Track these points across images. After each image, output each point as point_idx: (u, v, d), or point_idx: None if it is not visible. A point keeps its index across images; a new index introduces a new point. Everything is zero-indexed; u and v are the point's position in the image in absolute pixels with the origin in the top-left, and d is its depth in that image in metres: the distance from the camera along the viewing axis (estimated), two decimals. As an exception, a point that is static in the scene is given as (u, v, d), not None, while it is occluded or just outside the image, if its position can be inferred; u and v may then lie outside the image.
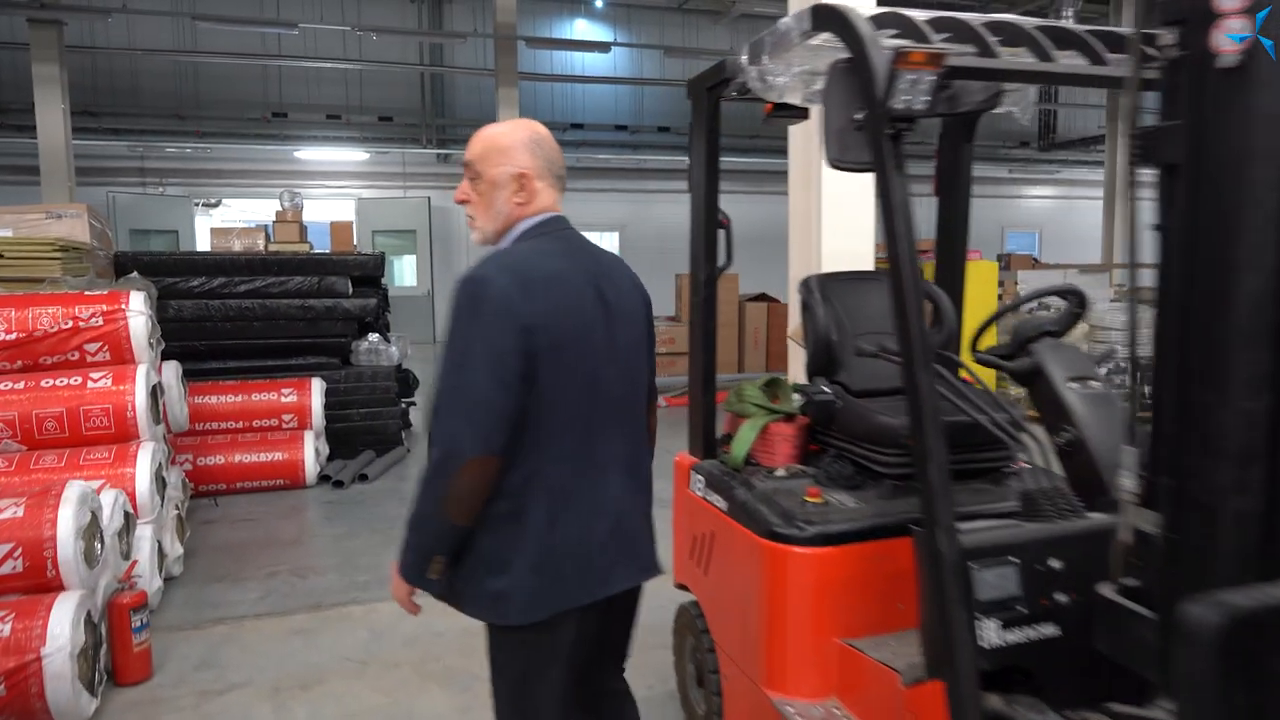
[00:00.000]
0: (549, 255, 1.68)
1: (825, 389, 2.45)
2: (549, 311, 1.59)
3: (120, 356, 4.15)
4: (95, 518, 3.15)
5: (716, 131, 2.56)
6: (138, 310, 4.16)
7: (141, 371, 4.07)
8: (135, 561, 3.55)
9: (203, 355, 6.24)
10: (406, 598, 1.70)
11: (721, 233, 2.62)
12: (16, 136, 12.89)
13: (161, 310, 5.96)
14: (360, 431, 6.56)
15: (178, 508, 4.35)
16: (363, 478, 5.99)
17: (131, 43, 13.60)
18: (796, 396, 2.60)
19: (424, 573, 1.63)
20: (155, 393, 4.24)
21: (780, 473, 2.41)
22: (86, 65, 13.84)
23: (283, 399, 5.95)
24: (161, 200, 15.19)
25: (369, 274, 6.62)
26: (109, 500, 3.43)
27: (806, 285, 2.63)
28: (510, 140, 1.72)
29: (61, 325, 4.01)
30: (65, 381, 3.95)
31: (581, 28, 16.41)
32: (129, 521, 3.61)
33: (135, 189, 15.00)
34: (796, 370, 4.33)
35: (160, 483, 4.06)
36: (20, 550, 2.85)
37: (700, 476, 2.55)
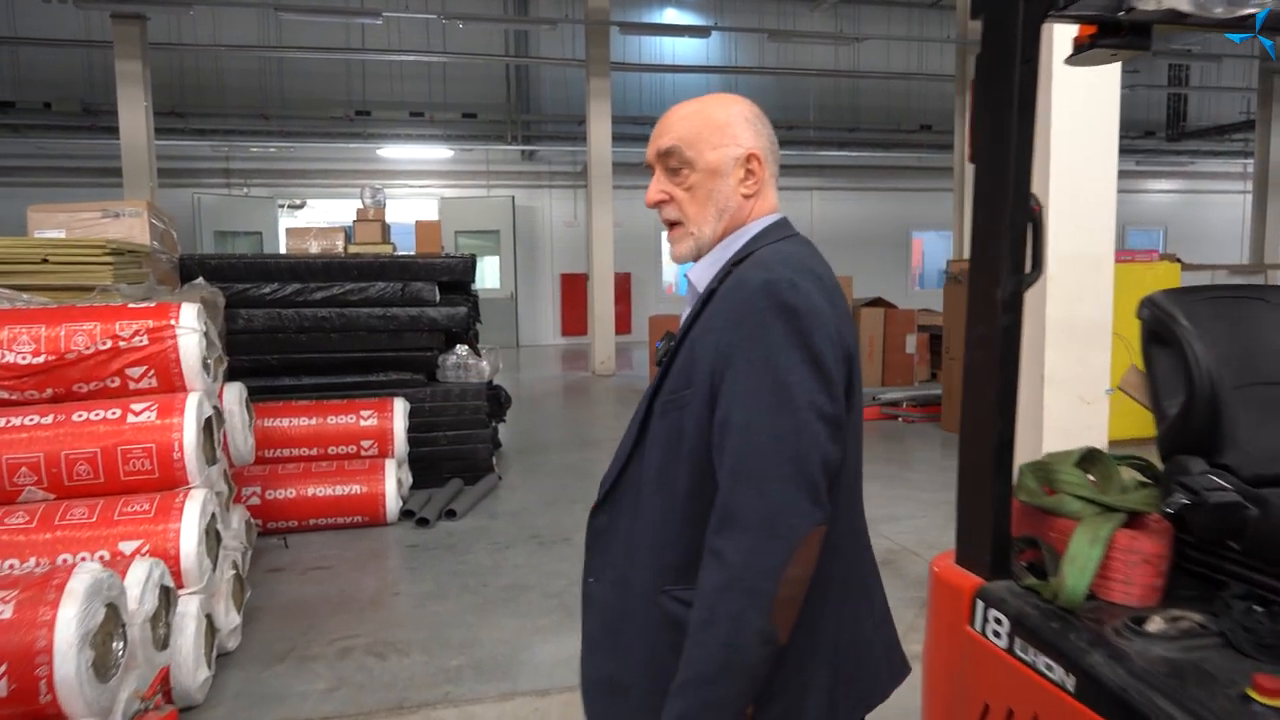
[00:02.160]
0: (817, 265, 1.27)
1: (1220, 481, 1.49)
2: (846, 332, 1.22)
3: (168, 383, 3.43)
4: (115, 610, 2.39)
5: (1034, 67, 1.60)
6: (189, 327, 3.42)
7: (192, 402, 3.33)
8: (163, 674, 2.77)
9: (275, 370, 5.56)
10: None
11: (1030, 226, 1.67)
12: (102, 138, 12.66)
13: (230, 320, 5.30)
14: (447, 457, 5.80)
15: (235, 566, 3.61)
16: (450, 514, 5.21)
17: (215, 38, 13.28)
18: (1126, 477, 1.66)
19: None
20: (211, 425, 3.50)
21: (1154, 624, 1.45)
22: (174, 65, 13.60)
23: (362, 422, 5.21)
24: (245, 201, 14.92)
25: (458, 279, 5.85)
26: (139, 577, 2.68)
27: (1157, 308, 1.67)
28: (727, 114, 1.31)
29: (99, 346, 3.30)
30: (101, 415, 3.23)
31: (671, 16, 15.52)
32: (169, 597, 2.86)
33: (220, 190, 14.76)
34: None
35: (213, 538, 3.31)
36: (4, 667, 2.09)
37: (997, 614, 1.61)
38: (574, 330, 15.75)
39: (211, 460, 3.48)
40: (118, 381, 3.36)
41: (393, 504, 5.03)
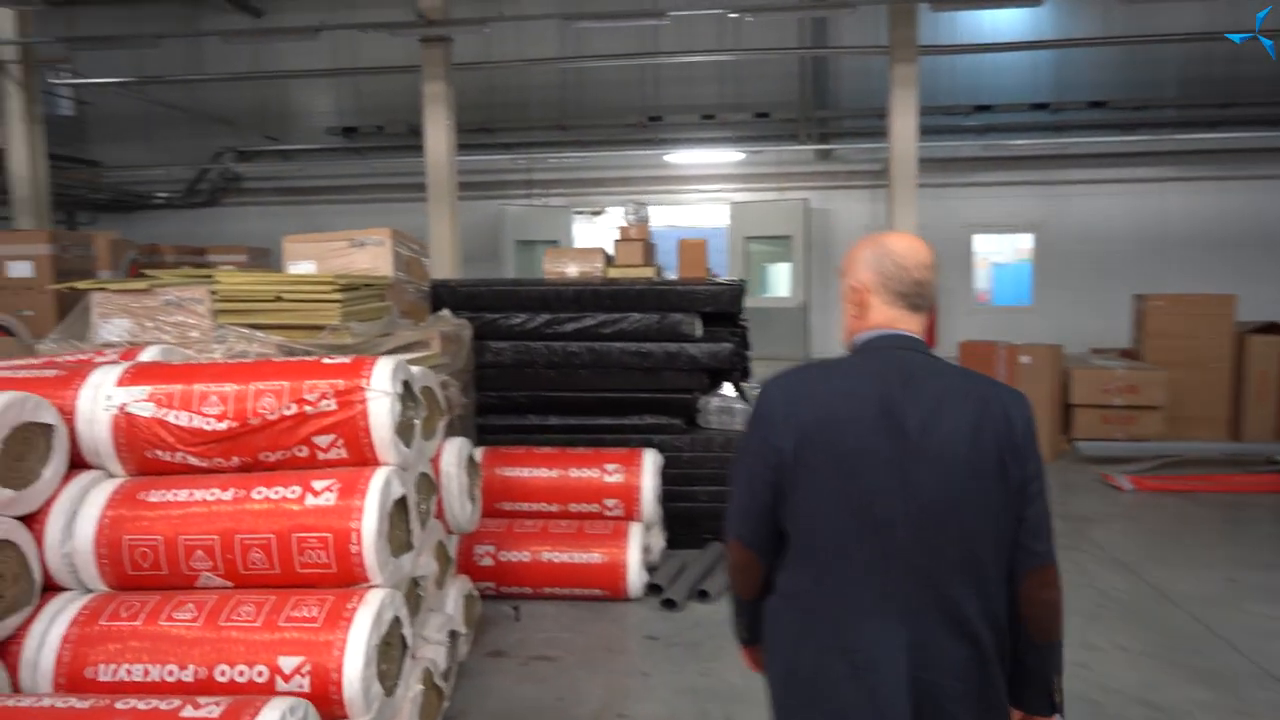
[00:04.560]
0: (837, 373, 1.72)
1: None
2: (806, 425, 1.63)
3: (359, 454, 2.89)
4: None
5: None
6: (380, 390, 2.85)
7: (377, 482, 2.76)
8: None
9: (522, 407, 5.07)
10: None
11: None
12: (410, 156, 13.45)
13: (478, 352, 4.87)
14: (706, 516, 4.96)
15: (429, 676, 3.00)
16: (701, 595, 4.36)
17: (520, 54, 13.65)
18: None
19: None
20: (405, 504, 2.93)
21: None
22: (483, 84, 14.24)
23: (606, 478, 4.53)
24: (545, 211, 15.31)
25: (723, 309, 4.99)
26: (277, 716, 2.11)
27: None
28: (856, 254, 1.76)
29: (284, 410, 2.83)
30: (280, 494, 2.76)
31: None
32: (314, 746, 2.28)
33: (523, 200, 15.28)
34: None
35: (398, 648, 2.72)
36: None
37: None
38: (870, 344, 14.32)
39: (403, 548, 2.90)
40: (306, 451, 2.88)
41: (635, 578, 4.28)
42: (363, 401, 2.84)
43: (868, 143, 13.49)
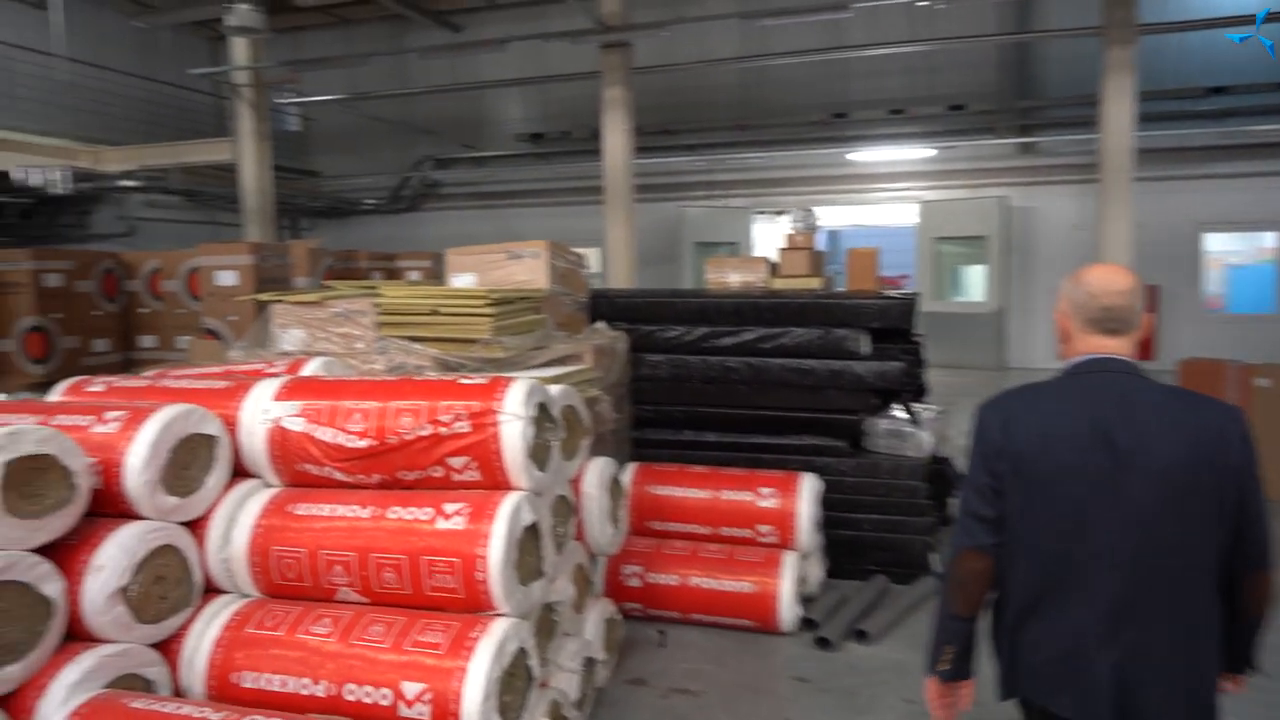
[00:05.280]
0: (1048, 394, 1.89)
1: None
2: (1020, 444, 1.82)
3: (492, 478, 2.85)
4: None
5: None
6: (513, 412, 2.79)
7: (506, 509, 2.70)
8: None
9: (677, 422, 4.93)
10: None
11: None
12: (593, 159, 13.68)
13: (635, 365, 4.78)
14: (871, 546, 4.62)
15: (556, 710, 2.92)
16: (860, 635, 4.04)
17: (703, 55, 13.54)
18: None
19: None
20: (537, 530, 2.86)
21: None
22: (663, 85, 14.26)
23: (760, 502, 4.30)
24: (724, 212, 15.13)
25: (894, 324, 4.61)
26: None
27: None
28: (1062, 286, 1.94)
29: (419, 431, 2.84)
30: (413, 515, 2.76)
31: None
32: (425, 784, 2.23)
33: (702, 202, 15.18)
34: None
35: (522, 679, 2.65)
36: None
37: None
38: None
39: (534, 575, 2.83)
40: (441, 471, 2.87)
41: (787, 611, 4.02)
42: (495, 425, 2.79)
43: (1076, 133, 12.31)
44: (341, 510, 2.83)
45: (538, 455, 2.90)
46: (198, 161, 13.02)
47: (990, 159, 13.26)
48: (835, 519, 4.57)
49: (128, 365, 7.26)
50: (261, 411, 2.99)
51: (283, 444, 2.96)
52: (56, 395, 3.38)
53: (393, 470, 2.90)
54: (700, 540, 4.37)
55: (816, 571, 4.42)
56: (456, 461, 2.84)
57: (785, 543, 4.26)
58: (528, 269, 4.43)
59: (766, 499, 4.30)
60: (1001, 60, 12.89)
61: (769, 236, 14.61)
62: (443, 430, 2.82)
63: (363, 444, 2.87)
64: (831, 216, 15.91)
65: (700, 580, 4.13)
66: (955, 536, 1.92)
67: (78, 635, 2.57)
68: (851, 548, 4.63)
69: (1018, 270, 13.31)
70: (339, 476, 2.95)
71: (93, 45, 13.51)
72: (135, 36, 14.56)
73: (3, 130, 11.80)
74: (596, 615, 3.55)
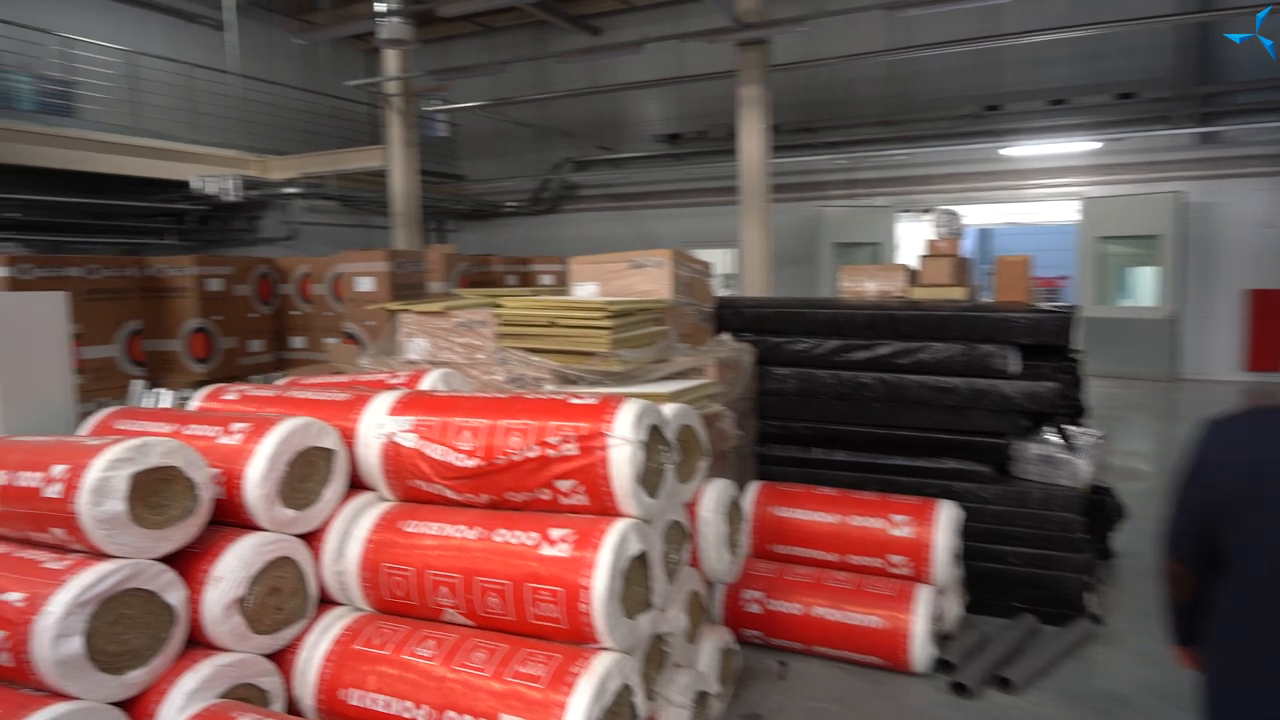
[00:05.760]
0: (1272, 418, 1.87)
1: None
2: (1240, 466, 1.83)
3: (600, 503, 2.73)
4: None
5: None
6: (623, 436, 2.67)
7: (612, 538, 2.58)
8: None
9: (805, 439, 4.68)
10: None
11: None
12: (729, 160, 13.47)
13: (761, 378, 4.58)
14: (1017, 582, 4.23)
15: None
16: (1002, 682, 3.68)
17: (843, 50, 13.07)
18: None
19: None
20: (646, 560, 2.72)
21: None
22: (803, 82, 13.87)
23: (893, 530, 4.00)
24: (866, 211, 14.57)
25: (1046, 341, 4.19)
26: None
27: None
28: None
29: (527, 452, 2.75)
30: (518, 538, 2.68)
31: None
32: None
33: (843, 201, 14.67)
34: None
35: (625, 716, 2.52)
36: None
37: None
38: (1266, 364, 11.77)
39: (641, 607, 2.69)
40: (549, 494, 2.78)
41: (920, 650, 3.72)
42: (603, 448, 2.67)
43: (1267, 121, 11.09)
44: (449, 530, 2.79)
45: (648, 480, 2.76)
46: (352, 169, 13.71)
47: (1164, 151, 12.14)
48: (977, 550, 4.21)
49: (280, 365, 7.66)
50: (376, 426, 3.00)
51: (396, 459, 2.95)
52: (196, 402, 3.53)
53: (501, 491, 2.83)
54: (826, 567, 4.11)
55: (954, 608, 4.08)
56: (564, 485, 2.74)
57: (919, 575, 3.95)
58: (650, 279, 4.31)
59: (900, 527, 4.00)
60: (1179, 43, 11.76)
61: (914, 236, 13.93)
62: (550, 452, 2.72)
63: (470, 463, 2.82)
64: (982, 214, 15.04)
65: (825, 611, 3.89)
66: (1163, 538, 2.03)
67: (199, 642, 2.64)
68: (995, 582, 4.25)
69: (1194, 272, 12.13)
70: (449, 494, 2.91)
71: (262, 62, 14.48)
72: (298, 52, 15.51)
73: (185, 144, 12.83)
74: (711, 645, 3.38)
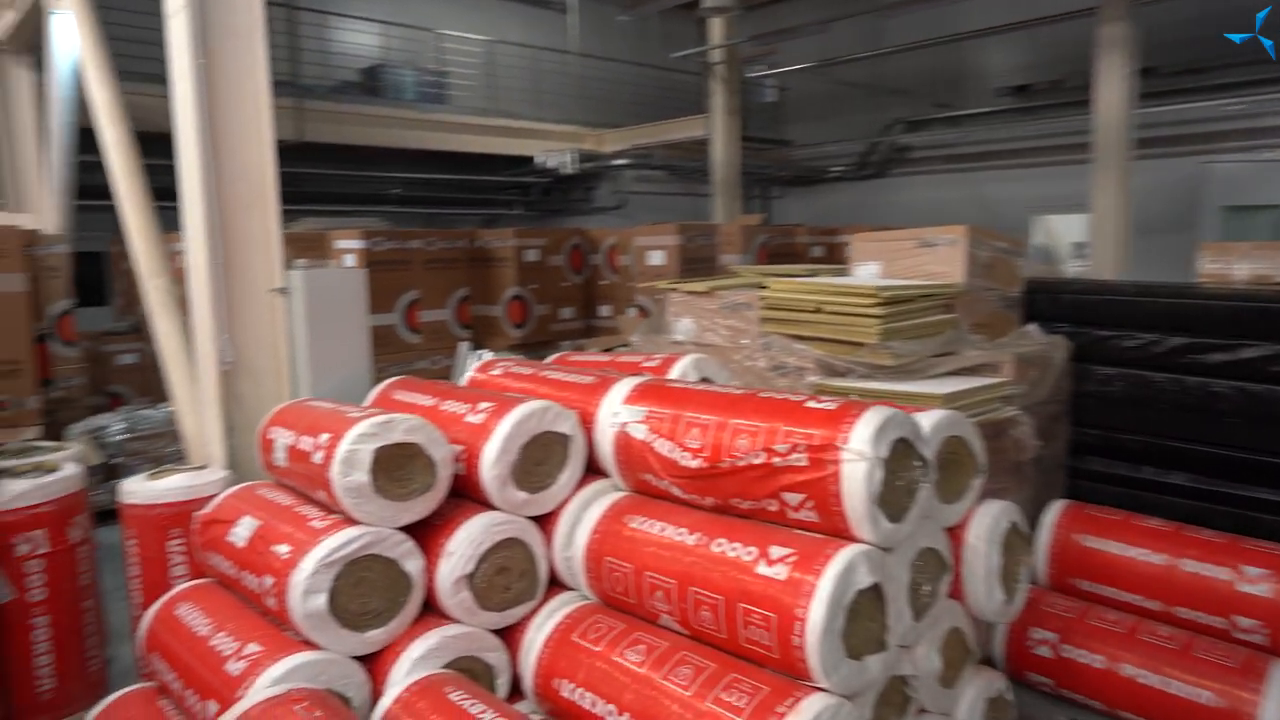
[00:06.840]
0: None
1: None
2: None
3: (830, 523, 2.40)
4: None
5: None
6: (858, 451, 2.31)
7: (835, 566, 2.24)
8: None
9: (1134, 455, 3.86)
10: None
11: None
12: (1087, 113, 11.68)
13: (1077, 378, 3.87)
14: None
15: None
16: (1395, 810, 2.74)
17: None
18: None
19: None
20: (882, 593, 2.35)
21: None
22: (1184, 16, 11.58)
23: (1241, 585, 3.15)
24: (1271, 167, 11.90)
25: None
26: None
27: None
28: None
29: (752, 459, 2.50)
30: (736, 551, 2.45)
31: None
32: None
33: (1236, 156, 12.13)
34: None
35: (841, 770, 2.21)
36: None
37: None
38: None
39: (872, 647, 2.34)
40: (776, 506, 2.51)
41: (1269, 745, 2.89)
42: (836, 463, 2.33)
43: None
44: (670, 531, 2.63)
45: (891, 501, 2.38)
46: (678, 138, 14.06)
47: None
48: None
49: (588, 331, 8.07)
50: (611, 414, 2.92)
51: (626, 450, 2.85)
52: (469, 373, 3.73)
53: (727, 496, 2.61)
54: (1146, 616, 3.36)
55: (1331, 694, 3.13)
56: (792, 498, 2.45)
57: (1277, 647, 3.08)
58: (941, 259, 3.78)
59: (1254, 582, 3.13)
60: None
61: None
62: (776, 460, 2.44)
63: (694, 463, 2.63)
64: None
65: (1137, 671, 3.17)
66: None
67: (435, 610, 2.77)
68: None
69: None
70: (676, 493, 2.76)
71: (600, 39, 15.30)
72: (632, 27, 16.14)
73: (532, 121, 14.00)
74: (975, 692, 2.89)
